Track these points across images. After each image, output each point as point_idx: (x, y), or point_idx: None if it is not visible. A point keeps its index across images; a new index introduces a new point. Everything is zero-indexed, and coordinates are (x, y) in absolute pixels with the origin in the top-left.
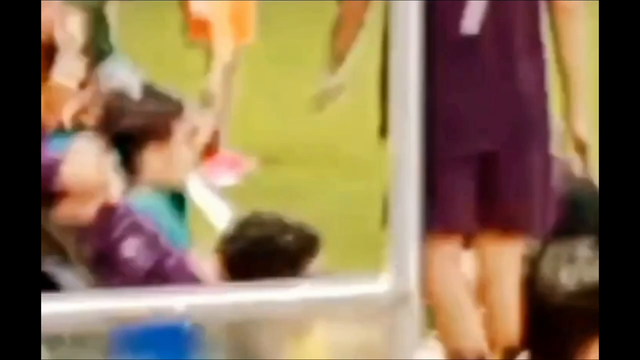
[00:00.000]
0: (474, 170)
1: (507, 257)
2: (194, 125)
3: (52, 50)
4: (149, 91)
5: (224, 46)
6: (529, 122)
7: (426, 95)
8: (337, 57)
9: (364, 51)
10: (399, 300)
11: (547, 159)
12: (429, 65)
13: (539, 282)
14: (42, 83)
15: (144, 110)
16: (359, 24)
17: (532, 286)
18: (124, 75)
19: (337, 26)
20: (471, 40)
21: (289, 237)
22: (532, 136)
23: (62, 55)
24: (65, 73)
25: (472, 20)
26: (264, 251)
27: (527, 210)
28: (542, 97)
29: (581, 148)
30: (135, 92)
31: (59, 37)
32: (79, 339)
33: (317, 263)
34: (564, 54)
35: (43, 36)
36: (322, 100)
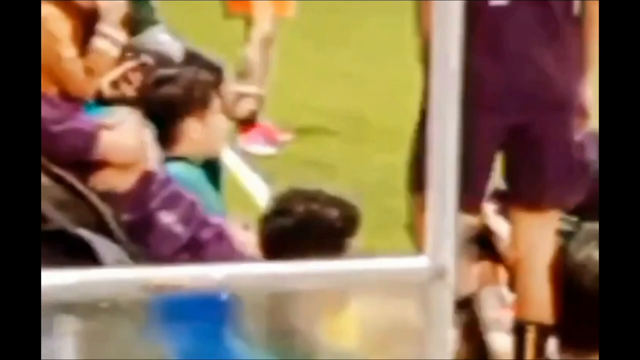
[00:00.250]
0: (504, 143)
1: (540, 233)
2: (234, 94)
3: (94, 17)
4: (191, 58)
5: (263, 17)
6: (559, 97)
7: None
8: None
9: (400, 23)
10: (435, 275)
11: (581, 135)
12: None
13: (570, 262)
14: (82, 49)
15: (184, 78)
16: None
17: (564, 266)
18: (165, 43)
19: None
20: (500, 10)
21: (334, 212)
22: (563, 111)
23: (104, 22)
24: (107, 40)
25: None
26: (309, 227)
27: (559, 185)
28: (575, 73)
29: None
30: (177, 59)
31: (102, 4)
32: (116, 308)
33: (358, 237)
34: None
35: (86, 2)
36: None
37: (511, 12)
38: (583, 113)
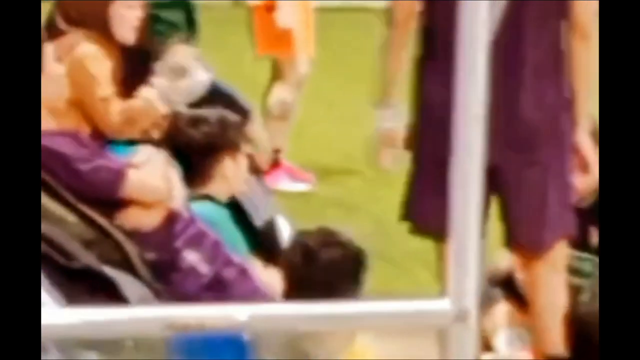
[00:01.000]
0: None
1: (549, 276)
2: (259, 137)
3: (139, 57)
4: (221, 96)
5: (302, 58)
6: (536, 141)
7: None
8: (388, 82)
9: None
10: (457, 317)
11: (561, 176)
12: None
13: (581, 313)
14: (122, 89)
15: (215, 118)
16: (406, 45)
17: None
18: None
19: (385, 50)
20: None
21: (333, 252)
22: (538, 153)
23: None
24: (155, 92)
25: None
26: (317, 265)
27: (539, 230)
28: (558, 114)
29: (584, 166)
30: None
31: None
32: (140, 346)
33: (367, 277)
34: (572, 79)
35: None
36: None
37: (493, 49)
38: (573, 151)
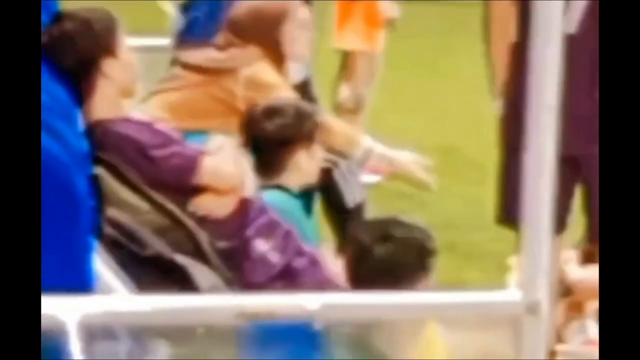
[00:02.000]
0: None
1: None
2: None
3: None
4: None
5: (376, 50)
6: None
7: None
8: (496, 76)
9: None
10: (528, 309)
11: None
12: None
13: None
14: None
15: (291, 109)
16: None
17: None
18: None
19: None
20: (569, 39)
21: (427, 237)
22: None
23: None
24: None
25: (571, 19)
26: (411, 252)
27: None
28: None
29: None
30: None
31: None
32: (210, 334)
33: (434, 268)
34: None
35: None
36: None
37: (578, 41)
38: None
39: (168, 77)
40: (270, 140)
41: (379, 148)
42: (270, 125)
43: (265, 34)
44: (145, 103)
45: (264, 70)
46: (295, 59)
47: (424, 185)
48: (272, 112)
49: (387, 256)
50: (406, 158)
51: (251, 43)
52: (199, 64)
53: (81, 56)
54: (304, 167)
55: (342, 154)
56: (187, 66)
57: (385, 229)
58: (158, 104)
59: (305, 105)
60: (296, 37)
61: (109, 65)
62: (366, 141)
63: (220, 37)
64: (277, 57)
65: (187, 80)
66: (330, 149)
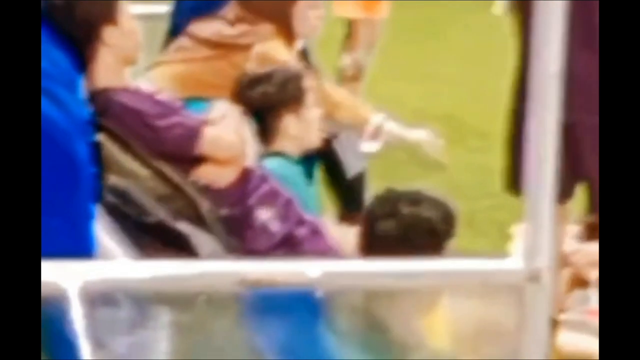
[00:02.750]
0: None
1: None
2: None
3: None
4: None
5: (378, 19)
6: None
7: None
8: None
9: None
10: (530, 277)
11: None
12: None
13: None
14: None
15: (278, 76)
16: None
17: None
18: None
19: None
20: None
21: (435, 214)
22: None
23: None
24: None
25: None
26: (413, 229)
27: None
28: None
29: None
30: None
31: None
32: (212, 301)
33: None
34: None
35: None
36: None
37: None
38: None
39: (175, 47)
40: (256, 107)
41: (390, 125)
42: (254, 93)
43: (277, 12)
44: (150, 72)
45: (276, 47)
46: (304, 37)
47: (436, 163)
48: (257, 79)
49: (391, 232)
50: (418, 135)
51: (263, 20)
52: (209, 37)
53: (82, 23)
54: (293, 132)
55: (348, 127)
56: (195, 38)
57: (395, 204)
58: (164, 74)
59: (292, 70)
60: (308, 15)
61: (109, 33)
62: (376, 118)
63: (231, 11)
64: (288, 35)
65: (195, 53)
66: (340, 123)
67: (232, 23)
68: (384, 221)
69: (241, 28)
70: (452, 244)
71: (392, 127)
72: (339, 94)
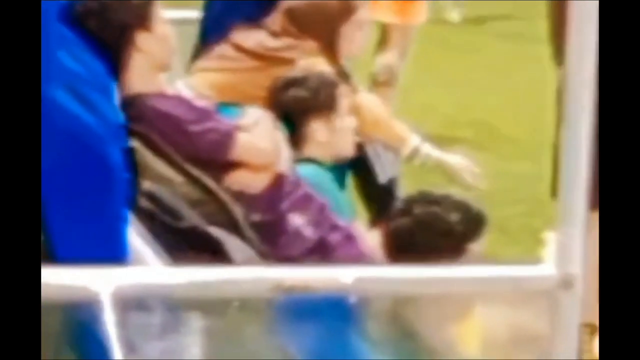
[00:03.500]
0: None
1: None
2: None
3: None
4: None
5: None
6: None
7: None
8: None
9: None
10: (562, 283)
11: None
12: None
13: None
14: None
15: (312, 81)
16: None
17: None
18: None
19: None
20: None
21: (455, 215)
22: None
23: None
24: None
25: None
26: (427, 227)
27: None
28: None
29: None
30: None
31: None
32: (245, 307)
33: (480, 243)
34: None
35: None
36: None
37: None
38: None
39: (216, 55)
40: (287, 110)
41: (427, 148)
42: (286, 95)
43: (324, 29)
44: (190, 78)
45: (319, 65)
46: (348, 57)
47: (472, 188)
48: (292, 82)
49: (405, 229)
50: (454, 160)
51: (308, 35)
52: (252, 48)
53: (115, 29)
54: (322, 138)
55: (384, 145)
56: (238, 48)
57: (411, 204)
58: (203, 81)
59: (327, 77)
60: (355, 37)
61: (142, 39)
62: (414, 139)
63: (276, 23)
64: (331, 53)
65: (237, 62)
66: (376, 140)
67: (277, 35)
68: (400, 219)
69: (285, 41)
70: (476, 247)
71: (429, 150)
72: (378, 111)
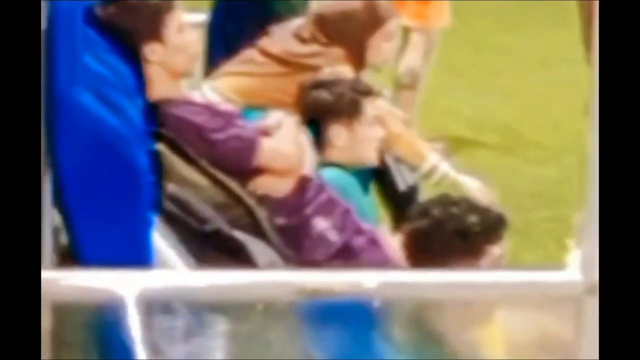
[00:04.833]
0: None
1: None
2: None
3: None
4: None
5: (436, 27)
6: None
7: None
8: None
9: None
10: (587, 290)
11: None
12: None
13: None
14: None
15: (338, 85)
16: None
17: None
18: None
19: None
20: None
21: (473, 217)
22: None
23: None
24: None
25: None
26: (443, 228)
27: None
28: None
29: None
30: None
31: None
32: (269, 310)
33: (501, 246)
34: None
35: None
36: None
37: None
38: None
39: (242, 59)
40: (311, 112)
41: (445, 167)
42: (311, 97)
43: (352, 39)
44: (216, 81)
45: (345, 73)
46: (374, 67)
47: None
48: (319, 84)
49: (421, 230)
50: (472, 184)
51: (336, 44)
52: (278, 54)
53: (129, 38)
54: (341, 143)
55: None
56: (264, 53)
57: (428, 205)
58: (228, 85)
59: (356, 85)
60: (382, 48)
61: (153, 50)
62: (433, 157)
63: (305, 30)
64: (358, 62)
65: (263, 67)
66: (396, 155)
67: (304, 41)
68: (418, 220)
69: (312, 48)
70: (497, 250)
71: (447, 170)
72: (400, 127)
